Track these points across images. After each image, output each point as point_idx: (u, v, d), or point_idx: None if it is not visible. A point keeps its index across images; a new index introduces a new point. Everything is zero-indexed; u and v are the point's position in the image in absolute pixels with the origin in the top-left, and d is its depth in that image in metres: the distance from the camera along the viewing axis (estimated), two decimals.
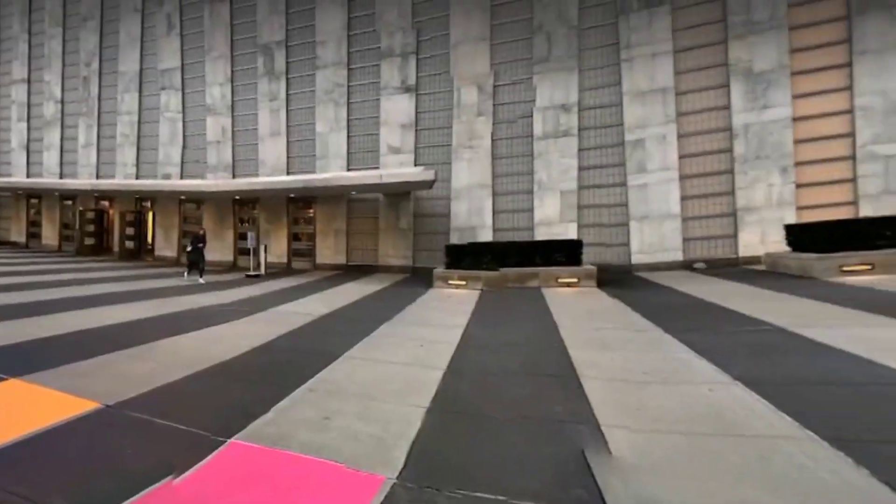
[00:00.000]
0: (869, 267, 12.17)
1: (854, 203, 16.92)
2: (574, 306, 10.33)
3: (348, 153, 21.82)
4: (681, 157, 18.33)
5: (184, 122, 25.47)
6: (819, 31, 17.59)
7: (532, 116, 19.47)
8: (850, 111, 16.89)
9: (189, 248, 17.51)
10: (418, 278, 17.22)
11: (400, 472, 4.32)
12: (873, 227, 12.93)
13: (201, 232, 18.01)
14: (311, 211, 22.16)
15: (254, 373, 6.35)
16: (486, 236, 19.31)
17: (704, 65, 18.52)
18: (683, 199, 18.23)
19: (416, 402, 5.51)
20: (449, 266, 15.33)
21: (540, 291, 12.86)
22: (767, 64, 17.83)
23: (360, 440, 4.72)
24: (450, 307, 10.89)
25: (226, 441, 4.80)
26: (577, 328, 8.15)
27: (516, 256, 15.08)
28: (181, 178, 25.13)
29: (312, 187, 19.44)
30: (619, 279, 14.78)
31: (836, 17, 17.46)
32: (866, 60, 17.03)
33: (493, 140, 19.89)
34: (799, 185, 17.33)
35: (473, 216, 19.81)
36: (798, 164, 17.32)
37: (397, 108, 21.08)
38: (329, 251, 21.63)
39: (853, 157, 16.81)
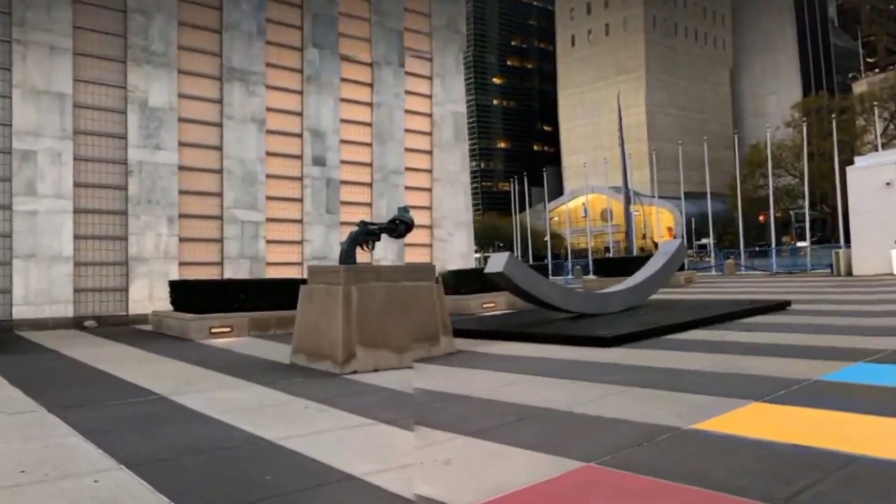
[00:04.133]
0: (229, 329, 12.56)
1: (221, 263, 17.56)
2: None
3: None
4: (77, 184, 15.09)
5: None
6: (198, 82, 17.40)
7: None
8: (220, 171, 17.74)
9: None
10: None
11: None
12: (233, 290, 13.34)
13: None
14: None
15: None
16: None
17: (105, 80, 15.83)
18: (77, 237, 15.11)
19: None
20: None
21: None
22: (160, 101, 16.48)
23: None
24: None
25: None
26: None
27: None
28: None
29: None
30: None
31: (213, 75, 17.70)
32: (231, 126, 17.79)
33: None
34: (182, 239, 16.96)
35: None
36: (182, 216, 16.97)
37: None
38: None
39: (221, 217, 17.67)
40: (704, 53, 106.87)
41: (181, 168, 17.15)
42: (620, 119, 50.82)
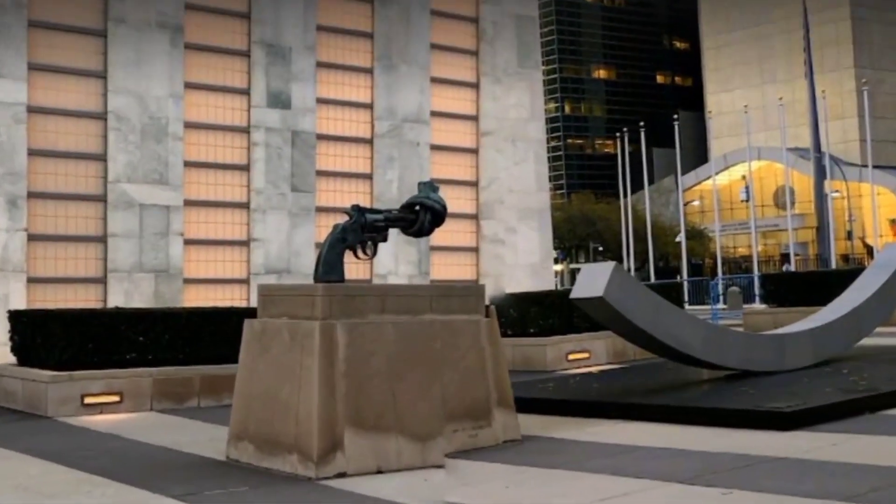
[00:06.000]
0: (117, 398, 12.58)
1: (103, 280, 17.75)
2: None
3: None
4: None
5: None
6: None
7: None
8: (104, 116, 17.91)
9: None
10: None
11: None
12: (124, 327, 13.23)
13: None
14: None
15: None
16: None
17: None
18: None
19: None
20: None
21: None
22: None
23: None
24: None
25: None
26: None
27: None
28: None
29: None
30: None
31: None
32: (122, 35, 18.01)
33: None
34: (35, 237, 17.16)
35: None
36: (35, 195, 17.21)
37: None
38: None
39: (104, 199, 17.86)
40: None
41: (33, 110, 17.36)
42: (807, 30, 49.96)
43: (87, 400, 12.43)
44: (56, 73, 17.75)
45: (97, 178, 17.92)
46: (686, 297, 37.73)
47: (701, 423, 9.63)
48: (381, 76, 21.24)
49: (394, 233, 9.72)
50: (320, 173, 20.31)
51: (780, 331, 14.37)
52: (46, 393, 12.35)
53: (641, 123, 61.17)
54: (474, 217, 22.39)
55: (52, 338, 13.13)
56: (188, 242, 18.64)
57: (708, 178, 73.39)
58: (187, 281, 18.53)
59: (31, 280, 17.01)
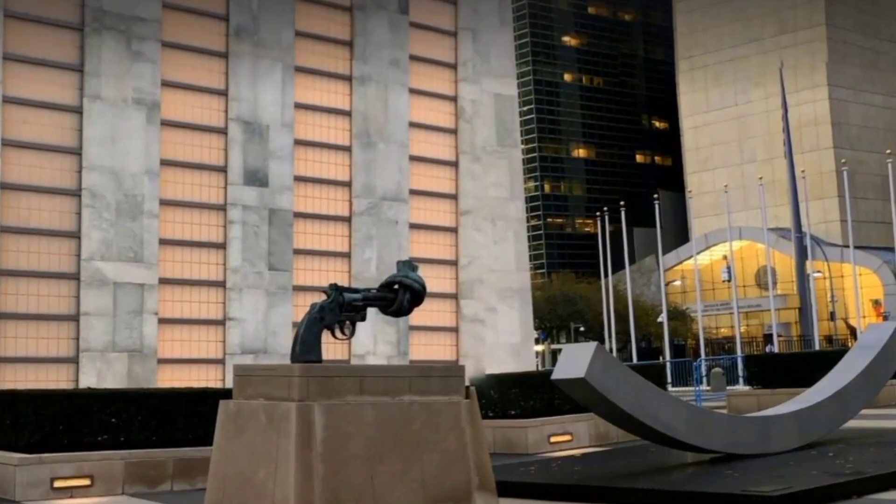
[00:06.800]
0: (87, 481, 12.39)
1: (75, 360, 17.65)
2: None
3: None
4: None
5: None
6: (36, 33, 18.17)
7: None
8: (77, 193, 18.06)
9: None
10: None
11: None
12: (96, 408, 13.15)
13: None
14: None
15: None
16: None
17: None
18: None
19: None
20: None
21: None
22: None
23: None
24: None
25: None
26: None
27: None
28: None
29: None
30: None
31: (68, 22, 18.41)
32: (97, 111, 18.12)
33: None
34: (5, 316, 17.25)
35: None
36: (5, 273, 17.36)
37: None
38: None
39: (77, 277, 17.86)
40: None
41: (5, 186, 17.49)
42: (786, 110, 50.92)
43: (57, 483, 12.26)
44: (30, 150, 17.85)
45: (70, 255, 17.90)
46: (669, 379, 37.51)
47: None
48: (360, 154, 21.39)
49: (372, 312, 9.62)
50: (298, 252, 20.33)
51: (764, 413, 14.46)
52: (14, 476, 12.17)
53: (622, 203, 61.41)
54: (454, 296, 22.36)
55: (21, 419, 13.03)
56: (163, 321, 18.54)
57: (689, 257, 73.58)
58: (161, 361, 18.40)
59: (1, 360, 16.90)
